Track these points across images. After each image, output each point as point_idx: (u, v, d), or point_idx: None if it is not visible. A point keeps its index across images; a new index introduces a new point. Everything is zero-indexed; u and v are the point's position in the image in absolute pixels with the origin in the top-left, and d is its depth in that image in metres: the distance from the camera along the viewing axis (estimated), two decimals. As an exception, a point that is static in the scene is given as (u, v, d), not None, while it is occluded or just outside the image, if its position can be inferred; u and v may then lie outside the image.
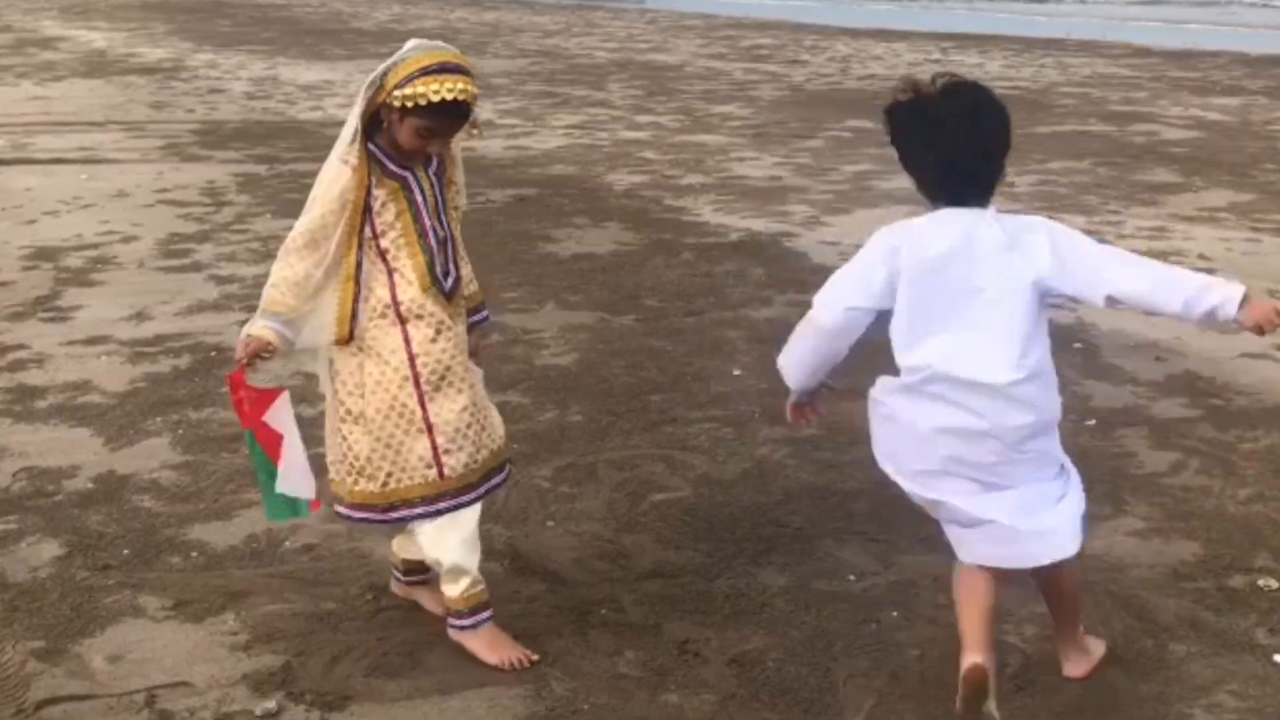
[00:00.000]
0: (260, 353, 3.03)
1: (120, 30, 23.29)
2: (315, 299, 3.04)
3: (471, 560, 3.18)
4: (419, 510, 3.11)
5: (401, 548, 3.38)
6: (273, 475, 3.11)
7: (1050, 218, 3.01)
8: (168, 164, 10.29)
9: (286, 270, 3.03)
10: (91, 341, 5.75)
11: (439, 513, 3.11)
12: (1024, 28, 25.11)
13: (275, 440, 3.09)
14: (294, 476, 3.10)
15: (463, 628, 3.21)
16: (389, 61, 2.96)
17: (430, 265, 3.06)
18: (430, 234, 3.06)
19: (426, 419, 3.06)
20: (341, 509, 3.20)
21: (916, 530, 3.91)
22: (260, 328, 3.03)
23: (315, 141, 10.52)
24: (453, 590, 3.19)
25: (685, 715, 3.00)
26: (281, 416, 3.08)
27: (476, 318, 3.32)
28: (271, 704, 3.01)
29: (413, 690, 3.08)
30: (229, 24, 24.87)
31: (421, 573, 3.43)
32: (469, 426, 3.11)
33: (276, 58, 18.66)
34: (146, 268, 7.09)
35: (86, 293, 6.56)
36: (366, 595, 3.52)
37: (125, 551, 3.77)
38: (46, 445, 4.56)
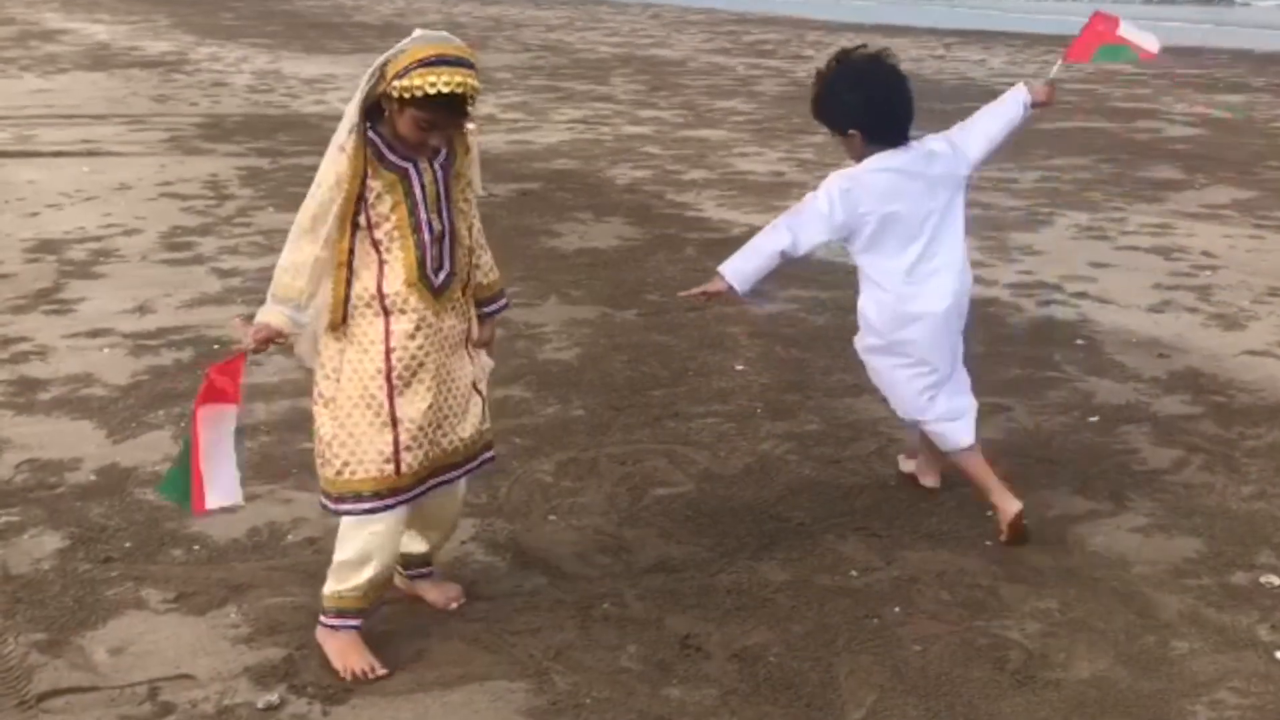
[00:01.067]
0: (272, 340, 3.02)
1: (123, 23, 23.28)
2: (322, 282, 3.03)
3: (364, 566, 3.11)
4: (368, 505, 3.06)
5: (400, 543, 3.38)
6: (184, 460, 2.98)
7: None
8: (170, 157, 10.29)
9: (295, 254, 3.00)
10: (94, 334, 5.75)
11: (387, 508, 3.07)
12: (1027, 24, 25.07)
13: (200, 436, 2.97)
14: (223, 484, 3.00)
15: (325, 625, 3.17)
16: (390, 51, 2.94)
17: (420, 261, 3.04)
18: (425, 228, 3.04)
19: (393, 413, 3.04)
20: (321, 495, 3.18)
21: (919, 525, 3.93)
22: (271, 314, 3.02)
23: (318, 135, 10.51)
24: (330, 586, 3.16)
25: (687, 709, 3.00)
26: (219, 419, 2.99)
27: (493, 307, 3.30)
28: (274, 697, 3.02)
29: (415, 684, 3.09)
30: (232, 17, 24.86)
31: (423, 566, 3.44)
32: (430, 425, 3.09)
33: (279, 51, 18.66)
34: (149, 261, 7.09)
35: (89, 285, 6.57)
36: (368, 589, 3.52)
37: (127, 544, 3.78)
38: (49, 437, 4.57)
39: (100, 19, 24.18)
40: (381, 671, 3.11)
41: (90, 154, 10.39)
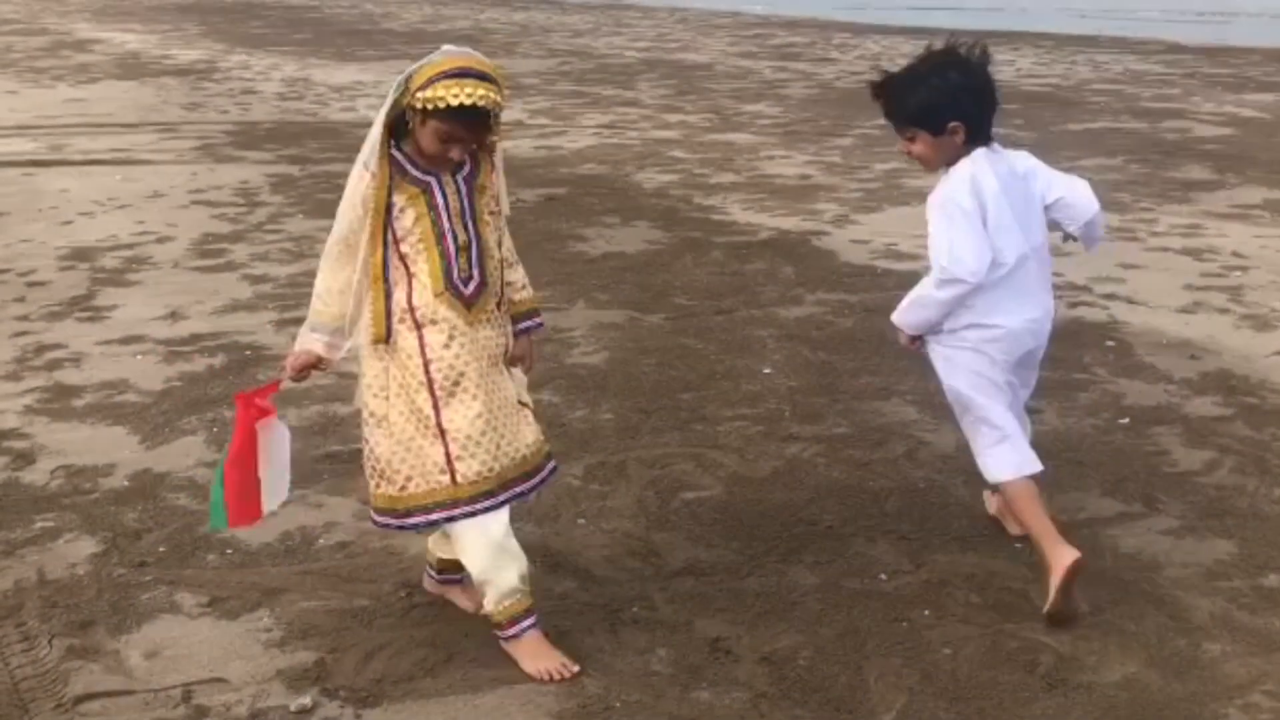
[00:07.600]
0: (309, 367, 3.07)
1: (154, 32, 23.46)
2: (362, 300, 3.07)
3: (500, 571, 3.15)
4: (435, 516, 3.11)
5: (438, 546, 3.40)
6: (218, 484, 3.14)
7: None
8: (202, 165, 10.37)
9: (328, 279, 3.08)
10: (127, 341, 5.81)
11: (452, 519, 3.11)
12: (1055, 24, 24.95)
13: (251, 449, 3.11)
14: (278, 487, 3.16)
15: (506, 638, 3.20)
16: (417, 64, 2.98)
17: (446, 270, 3.06)
18: (449, 237, 3.06)
19: (439, 424, 3.06)
20: (371, 514, 3.22)
21: (948, 528, 3.92)
22: (308, 340, 3.07)
23: (347, 142, 10.58)
24: (487, 603, 3.20)
25: (716, 713, 3.00)
26: (271, 429, 3.13)
27: (528, 323, 3.31)
28: (306, 700, 3.04)
29: (445, 687, 3.11)
30: (261, 25, 25.01)
31: (455, 572, 3.45)
32: (483, 434, 3.08)
33: (308, 59, 18.76)
34: (181, 268, 7.14)
35: (122, 293, 6.63)
36: (400, 592, 3.54)
37: (161, 549, 3.81)
38: (83, 443, 4.61)
39: (131, 28, 24.36)
40: (575, 668, 3.14)
41: (122, 162, 10.47)
